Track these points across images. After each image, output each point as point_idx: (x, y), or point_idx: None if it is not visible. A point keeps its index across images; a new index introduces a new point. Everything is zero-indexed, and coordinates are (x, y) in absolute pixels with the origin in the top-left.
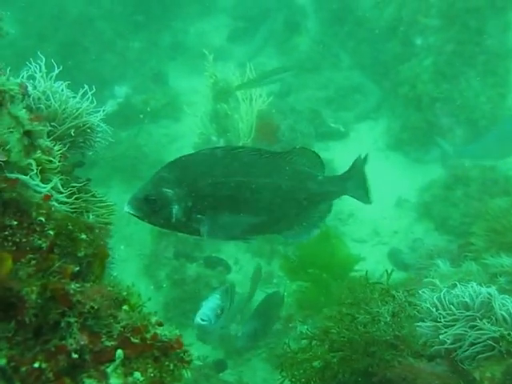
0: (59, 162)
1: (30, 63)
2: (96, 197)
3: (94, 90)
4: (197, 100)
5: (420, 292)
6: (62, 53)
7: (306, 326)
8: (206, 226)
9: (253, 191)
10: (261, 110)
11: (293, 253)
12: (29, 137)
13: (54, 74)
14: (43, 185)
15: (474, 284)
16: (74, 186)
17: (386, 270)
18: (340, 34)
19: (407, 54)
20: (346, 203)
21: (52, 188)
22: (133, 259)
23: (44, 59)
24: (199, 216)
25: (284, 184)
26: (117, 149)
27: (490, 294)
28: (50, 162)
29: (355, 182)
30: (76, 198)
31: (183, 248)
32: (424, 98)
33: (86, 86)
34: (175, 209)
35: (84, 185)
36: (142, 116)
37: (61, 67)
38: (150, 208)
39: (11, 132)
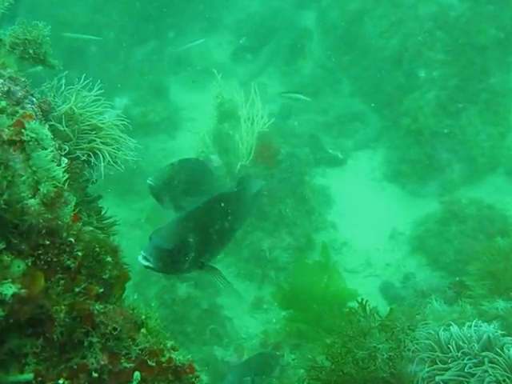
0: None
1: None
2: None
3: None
4: (196, 116)
5: (416, 331)
6: (64, 59)
7: (293, 356)
8: (207, 266)
9: (230, 224)
10: (261, 131)
11: (285, 280)
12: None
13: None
14: None
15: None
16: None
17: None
18: (344, 60)
19: (411, 86)
20: (340, 232)
21: None
22: None
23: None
24: (201, 260)
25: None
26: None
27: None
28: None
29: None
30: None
31: None
32: (425, 132)
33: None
34: (191, 256)
35: (94, 201)
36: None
37: None
38: (172, 258)
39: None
